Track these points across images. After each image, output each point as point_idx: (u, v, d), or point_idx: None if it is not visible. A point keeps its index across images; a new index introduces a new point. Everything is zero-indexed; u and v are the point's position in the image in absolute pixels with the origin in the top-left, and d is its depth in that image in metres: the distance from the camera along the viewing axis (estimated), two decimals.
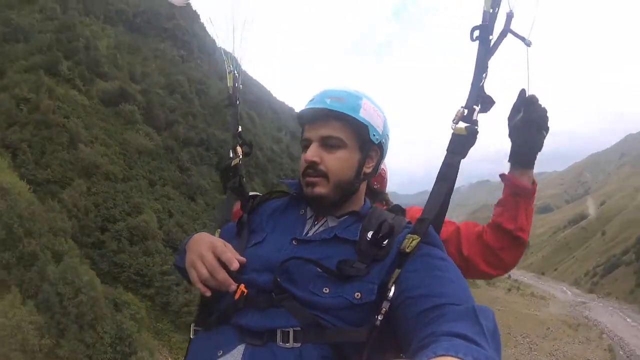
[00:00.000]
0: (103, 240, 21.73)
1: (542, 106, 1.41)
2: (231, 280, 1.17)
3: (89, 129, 28.13)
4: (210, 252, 1.20)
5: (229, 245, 1.24)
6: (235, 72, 1.91)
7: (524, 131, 1.41)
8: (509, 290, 70.42)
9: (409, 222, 1.26)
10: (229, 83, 1.90)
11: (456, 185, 1.28)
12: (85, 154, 25.08)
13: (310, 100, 1.31)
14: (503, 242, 1.50)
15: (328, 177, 1.25)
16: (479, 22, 1.30)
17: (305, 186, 1.28)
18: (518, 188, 1.45)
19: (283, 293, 1.13)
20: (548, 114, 1.42)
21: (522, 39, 1.31)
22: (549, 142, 1.50)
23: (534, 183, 1.47)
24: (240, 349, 1.07)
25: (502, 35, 1.29)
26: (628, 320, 55.06)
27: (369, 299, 1.09)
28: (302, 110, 1.32)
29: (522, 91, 1.42)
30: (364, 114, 1.27)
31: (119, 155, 28.44)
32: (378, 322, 1.05)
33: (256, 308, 1.14)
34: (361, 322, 1.09)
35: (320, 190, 1.25)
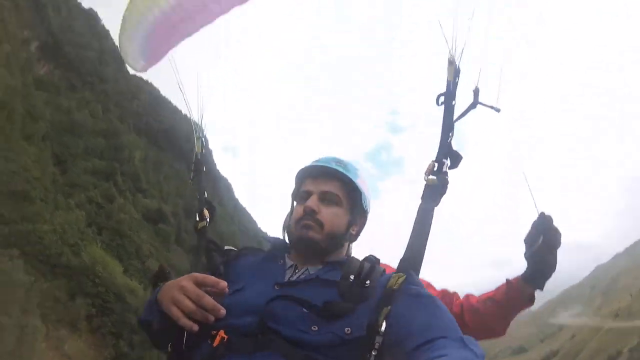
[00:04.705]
0: None
1: (558, 228, 1.48)
2: (220, 306, 1.13)
3: (145, 244, 31.89)
4: (191, 282, 1.14)
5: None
6: (203, 139, 1.94)
7: (546, 256, 1.48)
8: None
9: (384, 270, 1.32)
10: (197, 149, 1.91)
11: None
12: (153, 266, 28.11)
13: (316, 160, 1.47)
14: (480, 333, 1.54)
15: (323, 226, 1.36)
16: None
17: (300, 229, 1.36)
18: (523, 303, 1.58)
19: (270, 334, 1.09)
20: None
21: (491, 107, 1.40)
22: None
23: (533, 299, 1.58)
24: None
25: (471, 107, 1.43)
26: None
27: (360, 333, 1.10)
28: (310, 165, 1.46)
29: (542, 214, 1.49)
30: (360, 183, 1.44)
31: None
32: (372, 358, 1.08)
33: (241, 354, 1.09)
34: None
35: (314, 234, 1.35)
